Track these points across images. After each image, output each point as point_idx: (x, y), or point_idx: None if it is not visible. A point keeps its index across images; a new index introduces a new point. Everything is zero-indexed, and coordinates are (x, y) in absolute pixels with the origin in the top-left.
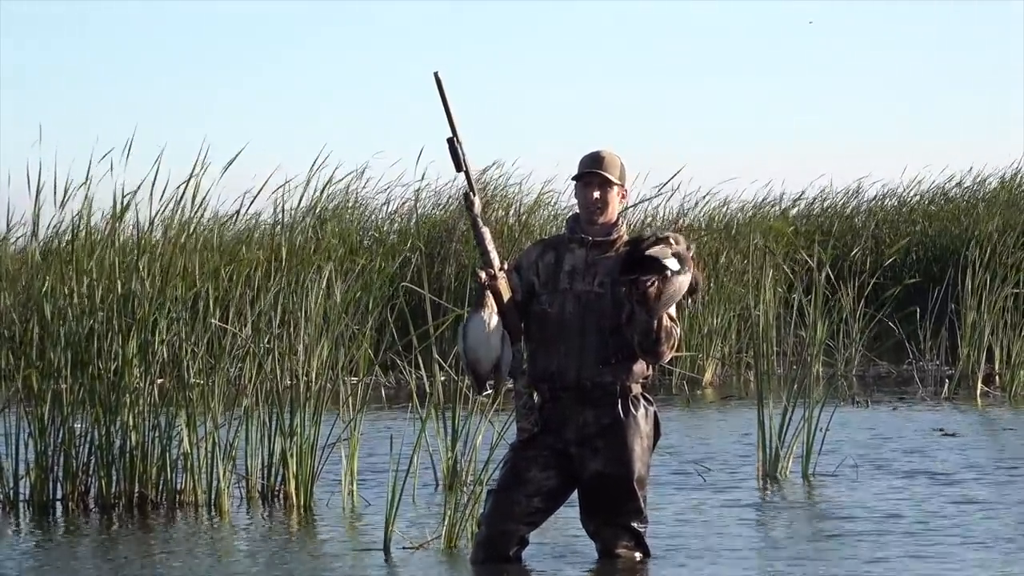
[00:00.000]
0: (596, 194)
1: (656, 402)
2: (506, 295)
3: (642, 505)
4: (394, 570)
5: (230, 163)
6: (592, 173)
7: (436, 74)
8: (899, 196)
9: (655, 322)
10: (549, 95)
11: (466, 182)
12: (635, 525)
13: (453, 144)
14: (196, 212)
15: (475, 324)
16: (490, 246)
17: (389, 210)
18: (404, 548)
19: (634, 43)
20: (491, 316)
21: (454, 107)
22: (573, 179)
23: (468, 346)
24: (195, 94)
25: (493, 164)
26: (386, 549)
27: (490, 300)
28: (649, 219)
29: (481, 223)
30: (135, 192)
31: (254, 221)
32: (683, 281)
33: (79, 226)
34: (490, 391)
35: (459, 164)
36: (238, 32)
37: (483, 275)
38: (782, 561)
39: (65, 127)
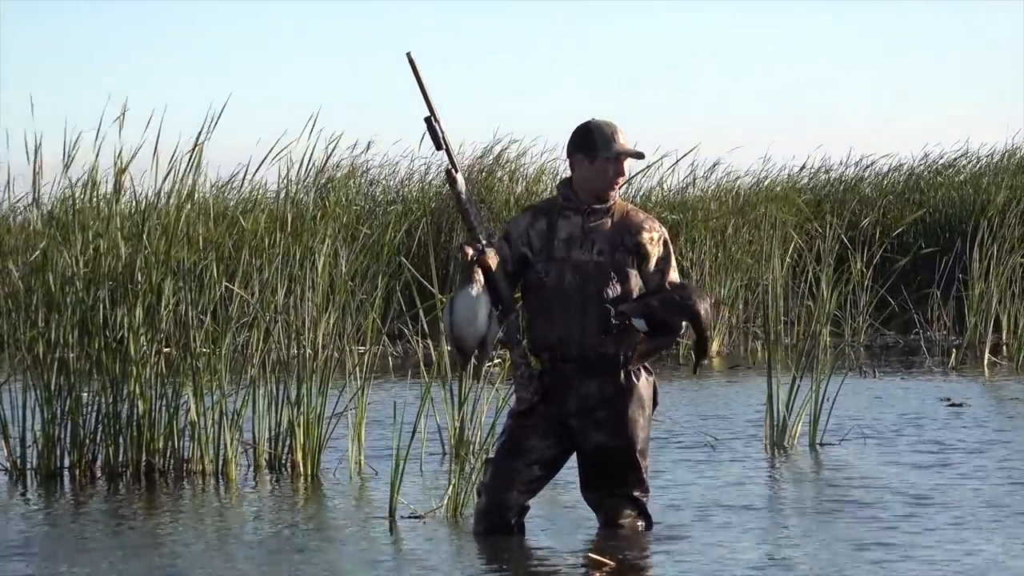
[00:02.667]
0: (623, 170)
1: (663, 371)
2: (496, 269)
3: (644, 475)
4: (398, 539)
5: (214, 124)
6: (634, 154)
7: (409, 55)
8: (908, 167)
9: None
10: (553, 66)
11: (447, 159)
12: (638, 495)
13: (431, 123)
14: (199, 178)
15: (462, 299)
16: (475, 221)
17: (398, 179)
18: (409, 517)
19: (642, 16)
20: (479, 291)
21: (429, 86)
22: (604, 157)
23: (454, 321)
24: (197, 63)
25: (505, 135)
26: (391, 518)
27: (478, 275)
28: (657, 187)
29: (465, 198)
30: (136, 152)
31: (259, 189)
32: (662, 343)
33: (81, 194)
34: (474, 366)
35: (438, 143)
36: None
37: (469, 250)
38: (788, 530)
39: (66, 90)
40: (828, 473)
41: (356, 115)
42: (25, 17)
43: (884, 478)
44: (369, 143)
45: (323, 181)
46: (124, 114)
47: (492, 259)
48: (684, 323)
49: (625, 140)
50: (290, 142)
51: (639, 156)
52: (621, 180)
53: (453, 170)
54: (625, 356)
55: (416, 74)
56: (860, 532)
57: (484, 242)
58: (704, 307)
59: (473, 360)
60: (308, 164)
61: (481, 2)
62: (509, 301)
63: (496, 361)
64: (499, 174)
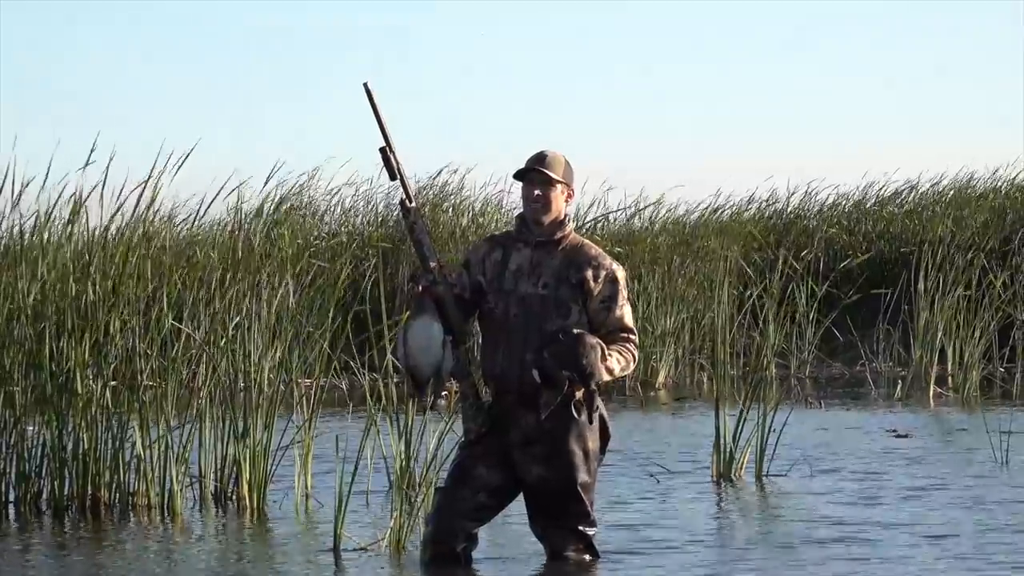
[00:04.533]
0: (537, 191)
1: (609, 403)
2: (448, 300)
3: (589, 508)
4: (343, 572)
5: (180, 164)
6: (533, 171)
7: (365, 84)
8: (851, 199)
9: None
10: (499, 101)
11: (402, 189)
12: (582, 528)
13: (386, 153)
14: (150, 213)
15: (415, 330)
16: (428, 252)
17: (342, 209)
18: (354, 550)
19: (581, 49)
20: (431, 322)
21: (385, 117)
22: (515, 177)
23: (408, 352)
24: (152, 92)
25: (446, 167)
26: (336, 551)
27: (429, 306)
28: (602, 223)
29: (418, 230)
30: (89, 193)
31: (207, 224)
32: (551, 395)
33: (31, 228)
34: (431, 398)
35: (392, 173)
36: (197, 31)
37: (422, 281)
38: (735, 562)
39: (23, 125)
40: (775, 504)
41: (306, 134)
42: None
43: (830, 509)
44: (314, 170)
45: (271, 213)
46: (91, 155)
47: (444, 291)
48: (570, 375)
49: (550, 163)
50: (240, 183)
51: (539, 175)
52: (536, 203)
53: (408, 201)
54: (565, 390)
55: (372, 104)
56: (805, 564)
57: (436, 273)
58: (588, 361)
59: (429, 390)
60: (259, 200)
61: (425, 29)
62: (460, 332)
63: (443, 393)
64: (444, 206)
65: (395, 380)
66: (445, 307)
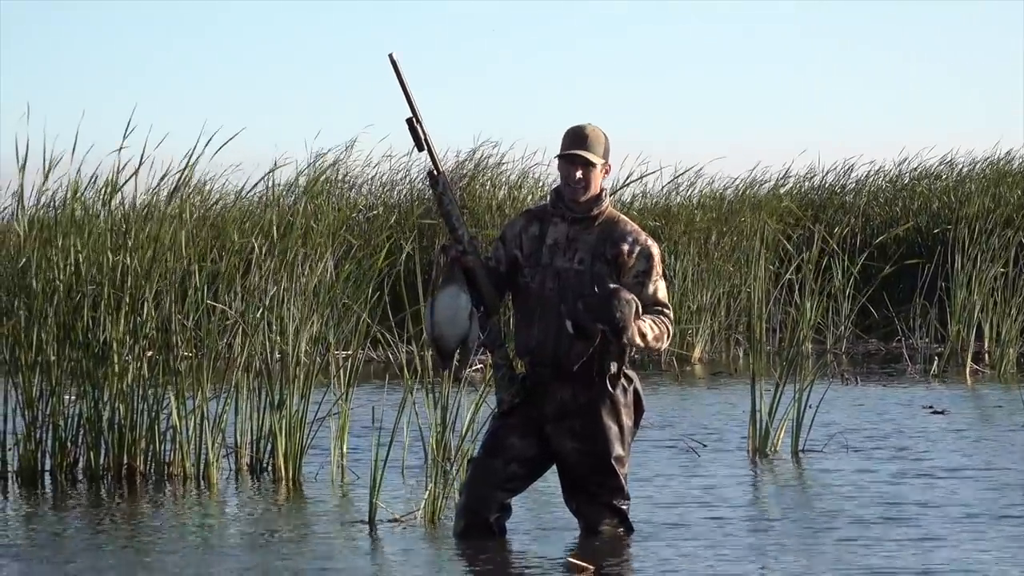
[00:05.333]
0: (579, 174)
1: (645, 377)
2: (478, 271)
3: (623, 483)
4: (377, 543)
5: (221, 146)
6: (575, 154)
7: (391, 56)
8: (889, 175)
9: (636, 345)
10: (540, 74)
11: (430, 160)
12: (616, 502)
13: (413, 124)
14: (187, 189)
15: (442, 300)
16: (457, 223)
17: (380, 183)
18: (389, 521)
19: (624, 23)
20: (459, 292)
21: (411, 88)
22: (557, 157)
23: (434, 322)
24: (190, 71)
25: (485, 142)
26: (371, 522)
27: (459, 276)
28: (640, 196)
29: (447, 200)
30: (134, 172)
31: (245, 198)
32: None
33: (68, 200)
34: (454, 366)
35: (420, 144)
36: (231, 6)
37: (451, 252)
38: (769, 538)
39: (56, 101)
40: (810, 481)
41: (346, 106)
42: (29, 19)
43: (865, 486)
44: (349, 143)
45: (308, 187)
46: (128, 132)
47: (474, 261)
48: (603, 328)
49: (583, 143)
50: (281, 164)
51: (580, 159)
52: (577, 184)
53: (436, 171)
54: (602, 364)
55: (399, 75)
56: (841, 540)
57: (466, 244)
58: (621, 315)
59: (454, 361)
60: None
61: (461, 4)
62: (492, 303)
63: (477, 366)
64: (481, 179)
65: (428, 352)
66: (475, 278)
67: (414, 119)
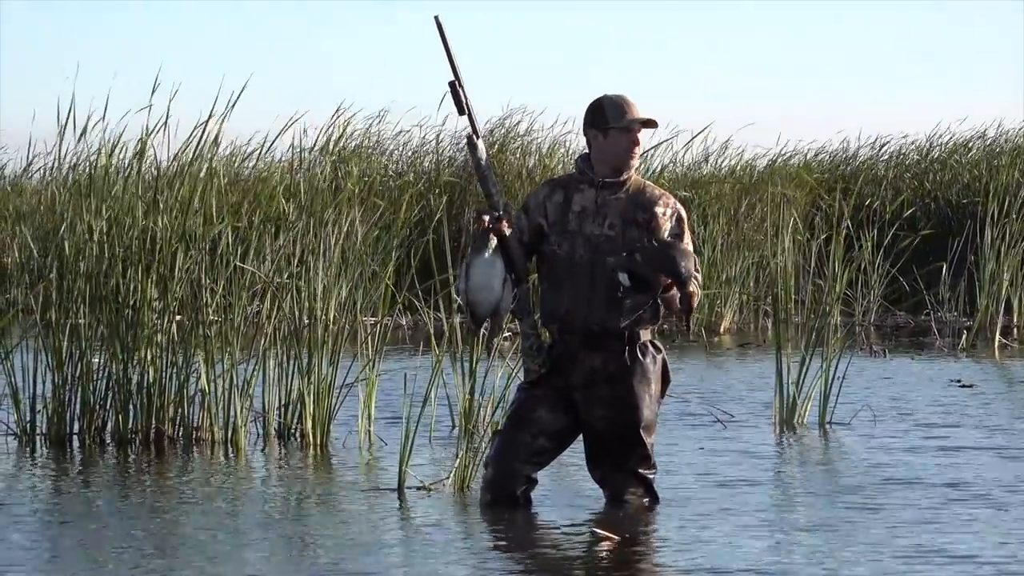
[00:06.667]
0: (639, 140)
1: (672, 348)
2: (509, 236)
3: (650, 451)
4: (406, 510)
5: (236, 98)
6: (645, 122)
7: (436, 18)
8: (921, 148)
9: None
10: (570, 44)
11: (469, 125)
12: (643, 471)
13: (455, 87)
14: (213, 149)
15: (477, 265)
16: (493, 188)
17: (410, 150)
18: (417, 488)
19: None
20: (493, 258)
21: (455, 51)
22: (617, 128)
23: (469, 287)
24: (214, 33)
25: (515, 109)
26: (399, 490)
27: (492, 242)
28: (671, 164)
29: (485, 165)
30: (155, 130)
31: (272, 159)
32: (640, 300)
33: (97, 162)
34: (486, 330)
35: (461, 107)
36: None
37: (486, 218)
38: (795, 511)
39: (87, 61)
40: (837, 453)
41: (370, 80)
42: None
43: (892, 460)
44: (382, 112)
45: (337, 151)
46: (155, 88)
47: (507, 227)
48: (664, 279)
49: (637, 111)
50: (301, 114)
51: (652, 124)
52: (636, 150)
53: (475, 136)
54: (631, 332)
55: (443, 38)
56: (867, 513)
57: (501, 210)
58: (685, 264)
59: (485, 326)
60: (322, 134)
61: None
62: (522, 271)
63: (506, 334)
64: (512, 146)
65: (459, 319)
66: (508, 245)
67: (456, 82)
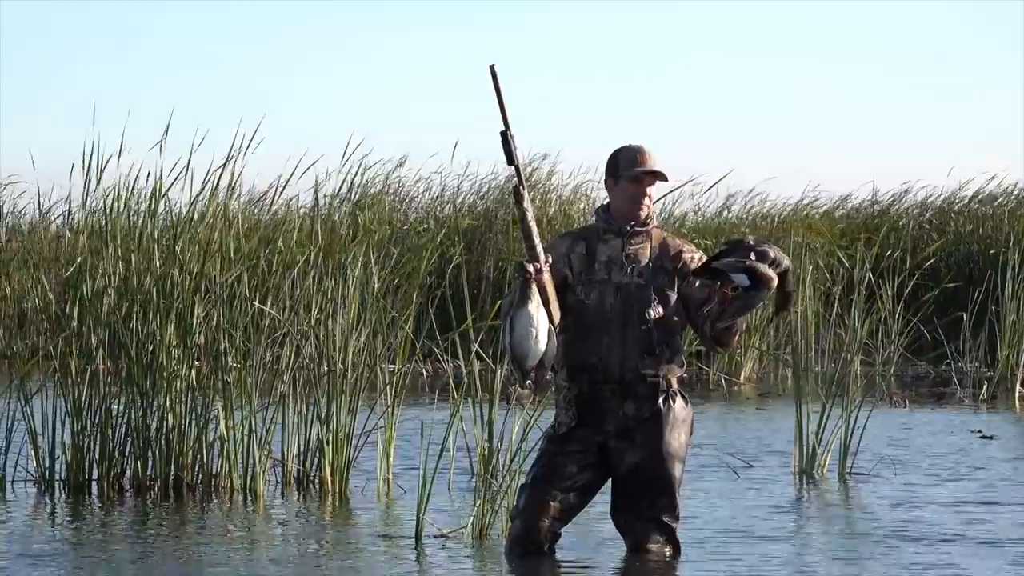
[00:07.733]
0: (649, 191)
1: (693, 397)
2: (550, 289)
3: (676, 501)
4: (423, 558)
5: (251, 139)
6: (652, 173)
7: (492, 67)
8: (943, 198)
9: (734, 323)
10: (590, 92)
11: (516, 176)
12: (667, 520)
13: (506, 138)
14: (231, 196)
15: (522, 318)
16: (537, 240)
17: (430, 197)
18: (436, 536)
19: (676, 43)
20: (537, 310)
21: (507, 101)
22: (626, 177)
23: (515, 340)
24: (234, 78)
25: (542, 157)
26: (417, 538)
27: (535, 293)
28: (692, 213)
29: (530, 217)
30: (172, 178)
31: (287, 206)
32: (760, 296)
33: (116, 208)
34: (531, 384)
35: (511, 158)
36: (279, 15)
37: (530, 268)
38: (815, 561)
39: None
40: (857, 504)
41: (390, 127)
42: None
43: (912, 511)
44: (402, 159)
45: (355, 197)
46: (167, 134)
47: (548, 280)
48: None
49: (651, 161)
50: (316, 158)
51: (659, 177)
52: (645, 201)
53: (521, 187)
54: (665, 379)
55: (496, 87)
56: (888, 566)
57: (543, 261)
58: (788, 259)
59: (531, 378)
60: (341, 180)
61: (514, 16)
62: (560, 322)
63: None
64: (532, 194)
65: (504, 368)
66: (548, 296)
67: (508, 133)
